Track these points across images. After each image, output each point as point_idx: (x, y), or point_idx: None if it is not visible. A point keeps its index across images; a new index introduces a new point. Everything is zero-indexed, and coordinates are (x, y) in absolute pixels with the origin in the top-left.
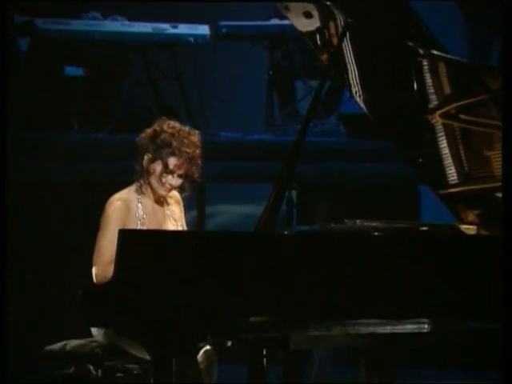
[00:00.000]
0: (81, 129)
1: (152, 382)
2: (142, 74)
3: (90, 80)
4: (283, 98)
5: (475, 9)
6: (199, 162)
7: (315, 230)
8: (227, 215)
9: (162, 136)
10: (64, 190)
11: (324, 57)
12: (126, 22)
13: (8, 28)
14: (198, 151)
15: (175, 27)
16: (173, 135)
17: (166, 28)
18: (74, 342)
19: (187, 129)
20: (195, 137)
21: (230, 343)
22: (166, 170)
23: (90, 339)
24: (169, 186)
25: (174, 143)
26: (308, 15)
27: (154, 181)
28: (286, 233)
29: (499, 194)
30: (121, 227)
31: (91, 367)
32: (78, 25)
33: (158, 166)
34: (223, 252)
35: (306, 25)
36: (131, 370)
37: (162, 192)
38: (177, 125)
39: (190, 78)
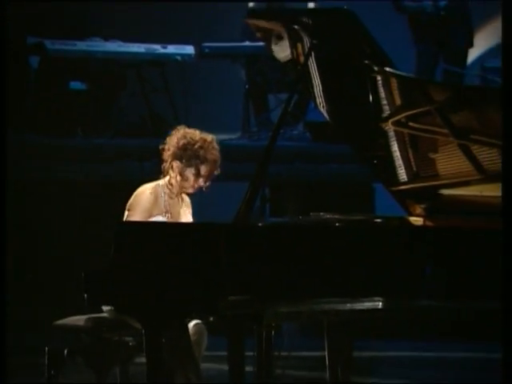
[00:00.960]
0: (84, 135)
1: (144, 351)
2: (136, 88)
3: (92, 93)
4: (257, 109)
5: (422, 28)
6: (219, 163)
7: (285, 221)
8: (213, 208)
9: (193, 148)
10: (69, 188)
11: (292, 72)
12: (123, 43)
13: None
14: (219, 155)
15: (165, 47)
16: (201, 147)
17: (157, 48)
18: (77, 317)
19: (209, 138)
20: (215, 144)
21: (211, 318)
22: (198, 175)
23: (92, 315)
24: (198, 188)
25: (203, 153)
26: (279, 37)
27: (186, 184)
28: (259, 224)
29: (443, 191)
30: (146, 212)
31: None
32: (81, 45)
33: (190, 173)
34: (205, 241)
35: (277, 45)
36: (127, 342)
37: (191, 191)
38: (200, 135)
39: (177, 91)
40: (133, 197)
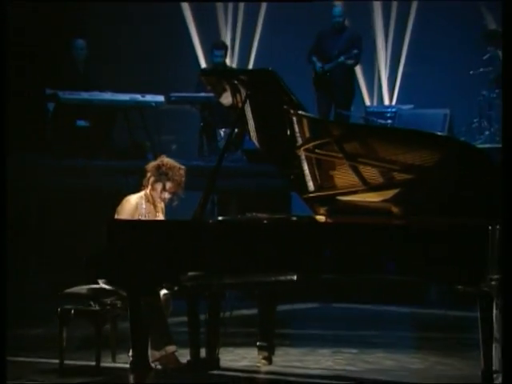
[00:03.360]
0: (86, 158)
1: (128, 311)
2: (123, 124)
3: (92, 128)
4: (208, 139)
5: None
6: (183, 186)
7: (228, 219)
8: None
9: (164, 169)
10: (74, 195)
11: (233, 114)
12: (114, 93)
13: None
14: (183, 179)
15: (143, 96)
16: (170, 169)
17: (138, 97)
18: (81, 287)
19: (178, 166)
20: (182, 171)
21: (176, 288)
22: (164, 189)
23: (91, 286)
24: (163, 198)
25: (170, 174)
26: (224, 89)
27: (155, 194)
28: (210, 221)
29: (339, 197)
30: (129, 216)
31: (92, 302)
32: (84, 95)
33: (159, 186)
34: (172, 233)
35: (223, 95)
36: (116, 304)
37: (158, 200)
38: (172, 162)
39: (152, 127)
40: (120, 204)
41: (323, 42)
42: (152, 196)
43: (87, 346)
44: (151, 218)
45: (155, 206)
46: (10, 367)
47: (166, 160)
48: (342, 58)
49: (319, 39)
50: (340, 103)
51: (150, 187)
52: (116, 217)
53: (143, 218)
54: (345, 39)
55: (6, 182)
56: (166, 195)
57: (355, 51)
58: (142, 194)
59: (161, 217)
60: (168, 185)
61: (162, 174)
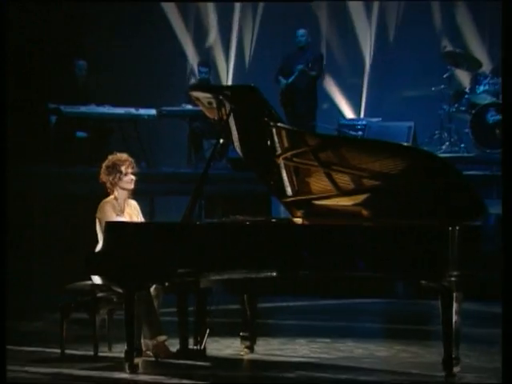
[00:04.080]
0: (85, 165)
1: (123, 304)
2: (119, 135)
3: (90, 139)
4: (196, 149)
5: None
6: (133, 164)
7: (214, 221)
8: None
9: (109, 164)
10: (74, 201)
11: (218, 126)
12: (110, 107)
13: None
14: (128, 159)
15: (137, 110)
16: (114, 160)
17: (132, 110)
18: (80, 283)
19: (118, 154)
20: (125, 155)
21: (166, 284)
22: (124, 174)
23: (89, 282)
24: (130, 182)
25: (117, 163)
26: (210, 103)
27: (120, 189)
28: (197, 223)
29: (314, 201)
30: (109, 217)
31: (90, 297)
32: (83, 109)
33: (117, 180)
34: (163, 234)
35: (209, 109)
36: (112, 299)
37: (129, 188)
38: (112, 155)
39: (145, 138)
40: (99, 210)
41: (289, 62)
42: (117, 195)
43: (85, 336)
44: (126, 214)
45: (126, 204)
46: (16, 355)
47: (109, 157)
48: (300, 66)
49: (285, 60)
50: (304, 115)
51: (113, 188)
52: (98, 219)
53: (121, 216)
54: (307, 57)
55: (7, 183)
56: (129, 178)
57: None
58: (112, 196)
59: (135, 213)
60: (122, 168)
61: (113, 168)
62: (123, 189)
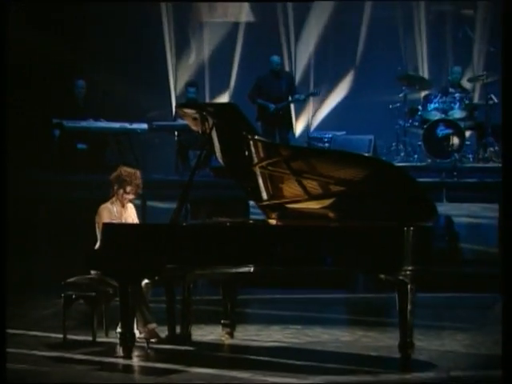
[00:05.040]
0: (85, 173)
1: (118, 297)
2: (114, 147)
3: (90, 150)
4: (183, 158)
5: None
6: (141, 187)
7: (198, 223)
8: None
9: (123, 176)
10: (75, 205)
11: (202, 138)
12: (107, 122)
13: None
14: (140, 182)
15: (131, 124)
16: (128, 175)
17: (126, 125)
18: (80, 277)
19: (133, 171)
20: (138, 174)
21: (156, 278)
22: (125, 192)
23: (89, 276)
24: (127, 199)
25: (128, 179)
26: (195, 119)
27: (120, 198)
28: (184, 224)
29: (287, 205)
30: (107, 220)
31: (89, 290)
32: (83, 123)
33: (120, 191)
34: (153, 234)
35: (194, 123)
36: (108, 291)
37: (126, 202)
38: (129, 169)
39: (137, 149)
40: (97, 213)
41: (265, 86)
42: (120, 200)
43: (85, 324)
44: (122, 218)
45: (124, 208)
46: (24, 341)
47: (123, 169)
48: (296, 96)
49: (259, 84)
50: (284, 131)
51: (116, 194)
52: (97, 222)
53: (117, 220)
54: (285, 82)
55: (7, 183)
56: (130, 197)
57: (313, 91)
58: (111, 200)
59: (131, 216)
60: (128, 188)
61: (122, 181)
62: (119, 201)
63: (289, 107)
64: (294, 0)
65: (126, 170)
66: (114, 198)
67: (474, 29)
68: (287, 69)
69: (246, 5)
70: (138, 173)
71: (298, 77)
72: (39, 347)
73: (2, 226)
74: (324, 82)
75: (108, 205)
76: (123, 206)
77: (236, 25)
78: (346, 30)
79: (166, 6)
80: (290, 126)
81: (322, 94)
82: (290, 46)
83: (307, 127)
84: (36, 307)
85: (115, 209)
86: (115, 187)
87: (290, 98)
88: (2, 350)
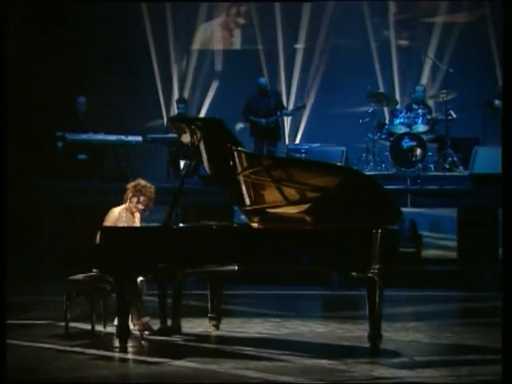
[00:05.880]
0: (85, 181)
1: (115, 292)
2: (112, 158)
3: (90, 161)
4: (174, 168)
5: (257, 131)
6: (153, 201)
7: (188, 226)
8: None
9: (139, 187)
10: (76, 210)
11: (191, 150)
12: (105, 135)
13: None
14: (153, 196)
15: (127, 137)
16: (144, 187)
17: (123, 137)
18: (80, 275)
19: (149, 185)
20: (153, 189)
21: (149, 276)
22: (138, 202)
23: (89, 274)
24: (139, 209)
25: (143, 190)
26: (185, 131)
27: (132, 206)
28: (174, 227)
29: (267, 210)
30: (113, 224)
31: (89, 286)
32: (84, 136)
33: (134, 200)
34: (146, 236)
35: (184, 136)
36: (106, 287)
37: (135, 211)
38: (145, 182)
39: (133, 159)
40: (107, 214)
41: (255, 104)
42: (130, 208)
43: (85, 317)
44: (130, 224)
45: (133, 216)
46: (30, 331)
47: (141, 181)
48: (284, 111)
49: (250, 103)
50: (272, 144)
51: (128, 201)
52: (104, 224)
53: (124, 225)
54: (272, 100)
55: (7, 184)
56: (140, 207)
57: (299, 105)
58: (123, 206)
59: (137, 224)
60: (141, 199)
61: (137, 191)
62: (131, 208)
63: (278, 122)
64: (295, 0)
65: (143, 182)
66: (126, 205)
67: (436, 53)
68: (271, 88)
69: (236, 34)
70: (153, 188)
71: (284, 95)
72: (42, 338)
73: (2, 225)
74: (304, 98)
75: (119, 209)
76: (132, 214)
77: (219, 52)
78: (325, 58)
79: (154, 39)
80: (278, 139)
81: (299, 112)
82: (276, 68)
83: (289, 139)
84: (41, 301)
85: (125, 215)
86: (130, 195)
87: (278, 113)
88: (2, 341)
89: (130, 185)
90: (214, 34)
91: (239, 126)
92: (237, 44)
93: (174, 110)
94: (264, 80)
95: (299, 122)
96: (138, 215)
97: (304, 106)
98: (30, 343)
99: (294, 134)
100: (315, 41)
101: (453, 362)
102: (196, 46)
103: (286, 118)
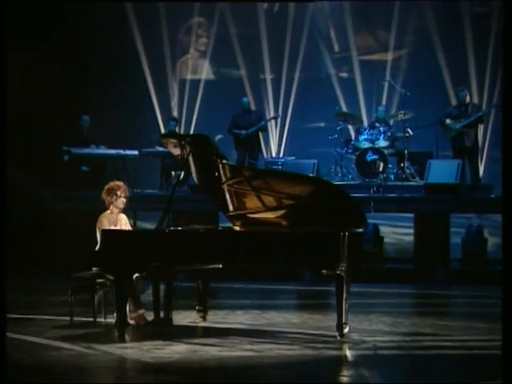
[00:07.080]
0: (87, 190)
1: (114, 288)
2: (112, 170)
3: (92, 172)
4: (166, 178)
5: (239, 142)
6: (127, 192)
7: (178, 229)
8: (145, 223)
9: (109, 189)
10: (79, 216)
11: (181, 162)
12: (105, 148)
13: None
14: (122, 185)
15: (124, 151)
16: (114, 186)
17: (121, 151)
18: (83, 273)
19: (113, 182)
20: (118, 182)
21: (144, 273)
22: (118, 197)
23: (90, 272)
24: (123, 202)
25: (115, 188)
26: (175, 146)
27: (117, 205)
28: (166, 230)
29: (248, 215)
30: (106, 227)
31: (90, 282)
32: (86, 150)
33: (114, 199)
34: (141, 238)
35: (175, 150)
36: (106, 283)
37: (120, 209)
38: (113, 182)
39: (130, 170)
40: (99, 220)
41: (238, 119)
42: (117, 207)
43: (87, 309)
44: (118, 225)
45: (118, 217)
46: (39, 323)
47: (109, 183)
48: (262, 123)
49: (234, 118)
50: (253, 156)
51: (112, 204)
52: (98, 228)
53: (113, 226)
54: (254, 115)
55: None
56: (123, 199)
57: (274, 115)
58: (108, 211)
59: (124, 223)
60: (118, 192)
61: (111, 189)
62: (116, 207)
63: (258, 136)
64: (294, 0)
65: (111, 183)
66: (110, 209)
67: (395, 78)
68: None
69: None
70: (122, 182)
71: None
72: (50, 329)
73: (2, 224)
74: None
75: (107, 214)
76: (118, 218)
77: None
78: (302, 87)
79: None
80: (258, 151)
81: (281, 126)
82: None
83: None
84: (50, 294)
85: (111, 217)
86: (108, 198)
87: (255, 126)
88: (2, 334)
89: (103, 192)
90: (188, 67)
91: (218, 136)
92: (210, 74)
93: (166, 127)
94: (246, 99)
95: (279, 139)
96: (123, 216)
97: (277, 117)
98: (34, 337)
99: (272, 148)
100: (280, 72)
101: (409, 346)
102: (182, 75)
103: (264, 133)
